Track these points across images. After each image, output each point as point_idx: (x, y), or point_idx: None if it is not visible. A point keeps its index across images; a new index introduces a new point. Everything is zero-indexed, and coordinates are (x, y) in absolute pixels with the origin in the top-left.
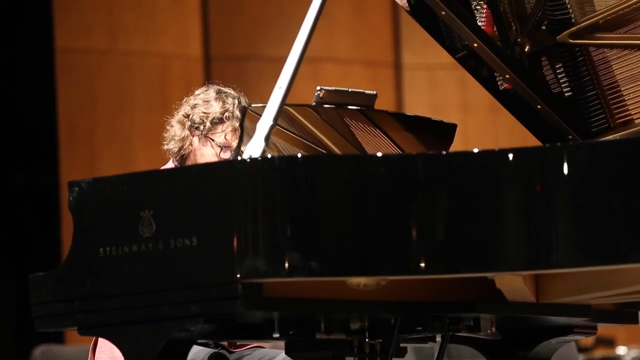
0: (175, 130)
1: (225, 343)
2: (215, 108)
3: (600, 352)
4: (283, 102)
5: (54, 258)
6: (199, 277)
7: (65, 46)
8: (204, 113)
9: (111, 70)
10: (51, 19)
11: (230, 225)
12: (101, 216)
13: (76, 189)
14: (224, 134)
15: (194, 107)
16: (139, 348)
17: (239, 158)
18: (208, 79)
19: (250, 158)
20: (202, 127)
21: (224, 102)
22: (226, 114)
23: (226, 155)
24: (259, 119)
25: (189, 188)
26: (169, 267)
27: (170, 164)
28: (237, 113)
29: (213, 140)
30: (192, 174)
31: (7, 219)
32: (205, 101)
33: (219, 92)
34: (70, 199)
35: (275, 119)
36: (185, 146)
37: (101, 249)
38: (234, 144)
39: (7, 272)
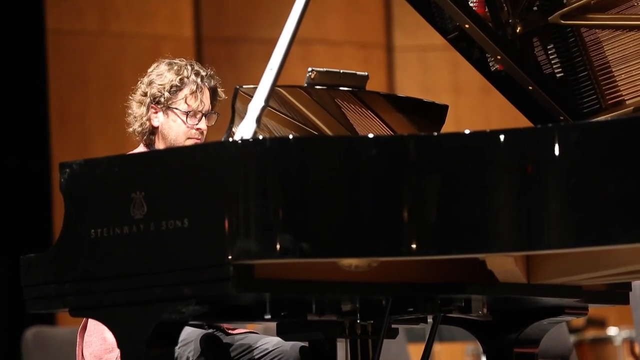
0: (135, 110)
1: (224, 325)
2: (170, 77)
3: (591, 333)
4: (274, 84)
5: (46, 240)
6: (190, 258)
7: (57, 28)
8: (161, 85)
9: (103, 53)
10: (42, 1)
11: (222, 206)
12: (92, 198)
13: (67, 170)
14: (185, 99)
15: (149, 84)
16: (131, 330)
17: (231, 139)
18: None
19: (242, 139)
20: (162, 100)
21: (177, 70)
22: (181, 78)
23: (193, 121)
24: (250, 100)
25: (180, 169)
26: (160, 249)
27: (140, 148)
28: (193, 77)
29: (177, 109)
30: (183, 155)
31: None
32: (159, 75)
33: (169, 64)
34: (62, 180)
35: (267, 101)
36: (148, 124)
37: (92, 231)
38: (197, 106)
39: None
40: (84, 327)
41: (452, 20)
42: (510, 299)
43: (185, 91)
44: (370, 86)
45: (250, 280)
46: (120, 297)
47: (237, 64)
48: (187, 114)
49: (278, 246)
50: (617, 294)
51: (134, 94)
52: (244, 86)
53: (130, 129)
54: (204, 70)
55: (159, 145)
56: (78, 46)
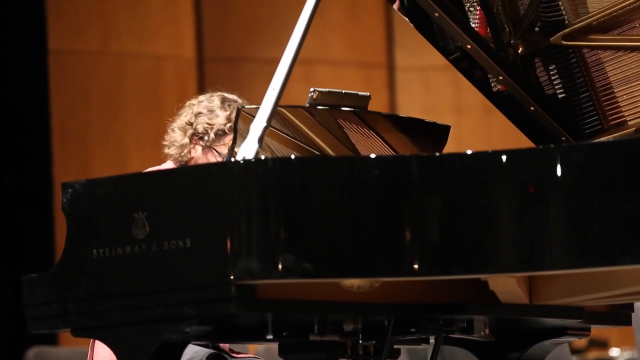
0: (176, 136)
1: (226, 347)
2: (220, 119)
3: (593, 354)
4: (276, 104)
5: (48, 260)
6: (192, 278)
7: (59, 48)
8: (208, 124)
9: (104, 72)
10: (44, 20)
11: (224, 226)
12: (94, 218)
13: (69, 190)
14: (226, 143)
15: (197, 115)
16: (133, 350)
17: (232, 159)
18: (201, 81)
19: (244, 159)
20: (206, 138)
21: (229, 114)
22: (230, 125)
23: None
24: (252, 120)
25: (183, 189)
26: (162, 269)
27: (168, 164)
28: (228, 109)
29: (217, 151)
30: (185, 176)
31: (0, 220)
32: (209, 110)
33: (223, 101)
34: (64, 200)
35: (269, 121)
36: (184, 152)
37: (94, 251)
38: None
39: (0, 273)
40: (94, 341)
41: (454, 41)
42: (513, 320)
43: (228, 137)
44: (371, 106)
45: (252, 301)
46: (122, 317)
47: (238, 83)
48: (222, 157)
49: (280, 266)
50: (620, 315)
51: (178, 117)
52: (246, 106)
53: (166, 150)
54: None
55: None
56: (79, 66)
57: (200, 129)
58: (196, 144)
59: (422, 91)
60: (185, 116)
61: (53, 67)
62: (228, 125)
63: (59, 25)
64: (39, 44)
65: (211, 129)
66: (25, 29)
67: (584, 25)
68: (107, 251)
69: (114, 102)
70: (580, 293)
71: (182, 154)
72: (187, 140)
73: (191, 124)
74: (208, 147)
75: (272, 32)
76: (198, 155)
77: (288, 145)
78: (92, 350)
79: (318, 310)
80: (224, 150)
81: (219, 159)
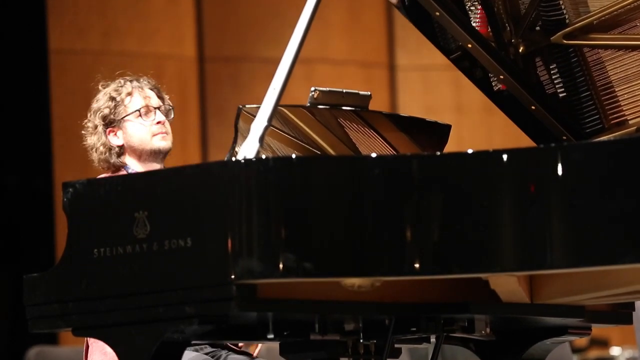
0: (95, 142)
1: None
2: (107, 95)
3: (594, 353)
4: (277, 103)
5: (48, 259)
6: (193, 278)
7: (59, 47)
8: (105, 106)
9: (105, 72)
10: (45, 20)
11: (225, 226)
12: (95, 217)
13: (70, 190)
14: (130, 103)
15: (94, 112)
16: (133, 349)
17: (233, 159)
18: (202, 80)
19: (245, 159)
20: (112, 116)
21: (108, 87)
22: (115, 88)
23: (148, 118)
24: (253, 119)
25: (183, 189)
26: (163, 268)
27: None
28: (128, 83)
29: (128, 114)
30: (186, 175)
31: (1, 221)
32: (97, 100)
33: (101, 86)
34: (65, 200)
35: (270, 120)
36: (108, 145)
37: (95, 250)
38: (143, 102)
39: (1, 273)
40: (87, 346)
41: (455, 40)
42: (514, 319)
43: (126, 98)
44: (372, 105)
45: (253, 300)
46: (123, 317)
47: (239, 83)
48: (139, 113)
49: (281, 265)
50: (620, 314)
51: (85, 132)
52: (246, 106)
53: (95, 162)
54: (137, 76)
55: (132, 160)
56: (80, 65)
57: (106, 113)
58: (113, 130)
59: (423, 90)
60: (90, 126)
61: (54, 66)
62: (113, 89)
63: (59, 25)
64: (39, 43)
65: (109, 106)
66: (25, 29)
67: (584, 24)
68: (108, 251)
69: None
70: (581, 292)
71: (111, 149)
72: (104, 136)
73: (96, 126)
74: (121, 121)
75: (273, 32)
76: (123, 136)
77: (289, 144)
78: (86, 356)
79: (319, 310)
80: (130, 108)
81: (135, 120)
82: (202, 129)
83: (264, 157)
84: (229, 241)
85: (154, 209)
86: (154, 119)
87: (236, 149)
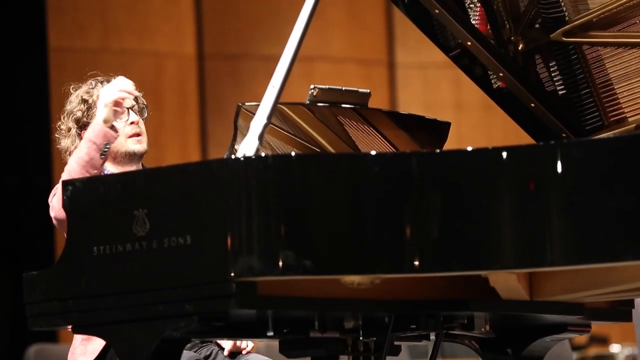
0: (69, 145)
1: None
2: (79, 97)
3: (594, 350)
4: (277, 101)
5: (48, 258)
6: (193, 275)
7: (59, 46)
8: (78, 109)
9: (105, 70)
10: (45, 18)
11: (224, 223)
12: (95, 215)
13: (70, 188)
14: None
15: (68, 115)
16: (133, 347)
17: (233, 157)
18: (202, 78)
19: (244, 157)
20: (86, 119)
21: (80, 89)
22: (87, 90)
23: (122, 119)
24: (252, 117)
25: (183, 187)
26: (163, 266)
27: None
28: (99, 84)
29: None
30: (186, 173)
31: (1, 220)
32: (69, 103)
33: (73, 89)
34: (64, 198)
35: (269, 118)
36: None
37: (95, 248)
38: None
39: (1, 272)
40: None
41: (454, 38)
42: (513, 316)
43: (95, 96)
44: (372, 103)
45: (253, 297)
46: (123, 314)
47: (239, 80)
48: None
49: (280, 263)
50: (620, 312)
51: (59, 136)
52: (246, 103)
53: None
54: (108, 76)
55: (110, 163)
56: (80, 63)
57: (75, 117)
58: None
59: (423, 88)
60: (64, 130)
61: (53, 64)
62: (84, 90)
63: (59, 23)
64: (39, 41)
65: (81, 109)
66: (25, 27)
67: (584, 21)
68: (108, 248)
69: None
70: (581, 289)
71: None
72: (74, 138)
73: (69, 128)
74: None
75: (273, 29)
76: None
77: (288, 142)
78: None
79: (318, 307)
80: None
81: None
82: (202, 127)
83: (263, 154)
84: (229, 239)
85: (154, 206)
86: (127, 119)
87: (235, 147)
